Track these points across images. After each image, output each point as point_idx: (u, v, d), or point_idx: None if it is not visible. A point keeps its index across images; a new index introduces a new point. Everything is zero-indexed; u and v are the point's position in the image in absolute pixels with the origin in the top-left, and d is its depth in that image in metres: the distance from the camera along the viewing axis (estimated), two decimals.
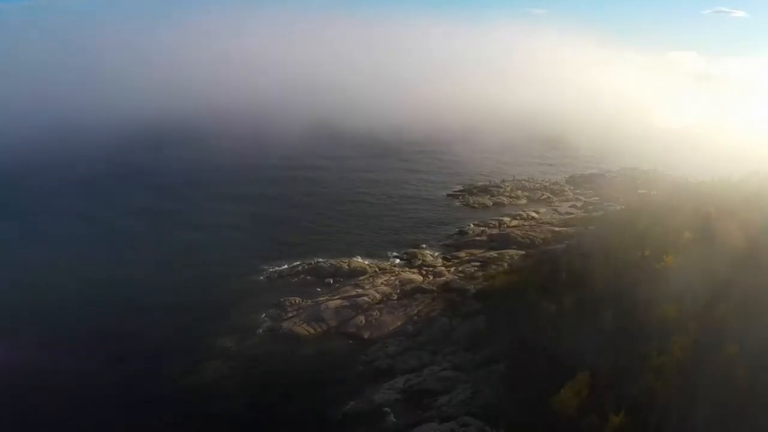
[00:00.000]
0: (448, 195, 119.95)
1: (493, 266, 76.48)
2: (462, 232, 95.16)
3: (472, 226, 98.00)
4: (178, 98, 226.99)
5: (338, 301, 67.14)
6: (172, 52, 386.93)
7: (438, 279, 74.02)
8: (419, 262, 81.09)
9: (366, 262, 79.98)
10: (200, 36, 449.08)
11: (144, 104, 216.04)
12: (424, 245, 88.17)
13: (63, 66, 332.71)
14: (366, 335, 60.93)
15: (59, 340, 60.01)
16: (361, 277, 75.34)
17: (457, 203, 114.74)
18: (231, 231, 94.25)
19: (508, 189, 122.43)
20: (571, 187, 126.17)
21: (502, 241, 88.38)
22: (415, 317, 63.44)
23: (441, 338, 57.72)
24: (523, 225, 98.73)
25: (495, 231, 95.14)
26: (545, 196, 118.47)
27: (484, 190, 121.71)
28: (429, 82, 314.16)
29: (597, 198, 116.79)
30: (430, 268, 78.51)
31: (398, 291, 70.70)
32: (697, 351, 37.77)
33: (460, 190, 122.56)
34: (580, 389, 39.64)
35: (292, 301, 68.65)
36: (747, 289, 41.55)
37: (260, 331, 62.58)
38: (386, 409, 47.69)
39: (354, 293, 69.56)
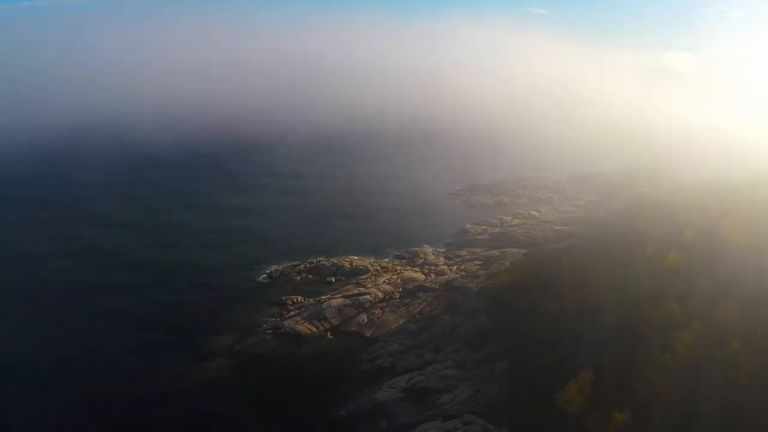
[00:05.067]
0: (450, 194, 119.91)
1: (495, 265, 76.44)
2: (463, 231, 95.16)
3: (473, 225, 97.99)
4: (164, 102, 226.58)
5: (340, 300, 67.16)
6: (170, 53, 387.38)
7: (440, 277, 74.02)
8: (421, 261, 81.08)
9: (368, 261, 79.93)
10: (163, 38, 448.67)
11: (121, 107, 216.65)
12: (425, 244, 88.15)
13: (56, 67, 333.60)
14: (368, 334, 60.93)
15: (60, 341, 60.20)
16: (363, 276, 75.33)
17: (459, 202, 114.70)
18: (230, 231, 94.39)
19: (510, 188, 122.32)
20: (573, 187, 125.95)
21: (503, 240, 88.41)
22: (418, 316, 63.42)
23: (443, 337, 57.69)
24: (525, 224, 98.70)
25: (496, 230, 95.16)
26: (546, 195, 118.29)
27: (486, 189, 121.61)
28: (424, 81, 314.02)
29: (598, 197, 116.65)
30: (432, 267, 78.53)
31: (400, 289, 70.75)
32: (701, 349, 37.73)
33: (462, 189, 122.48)
34: (583, 387, 39.55)
35: (294, 300, 68.66)
36: (750, 287, 41.59)
37: (262, 329, 62.55)
38: (389, 407, 47.62)
39: (356, 292, 69.58)
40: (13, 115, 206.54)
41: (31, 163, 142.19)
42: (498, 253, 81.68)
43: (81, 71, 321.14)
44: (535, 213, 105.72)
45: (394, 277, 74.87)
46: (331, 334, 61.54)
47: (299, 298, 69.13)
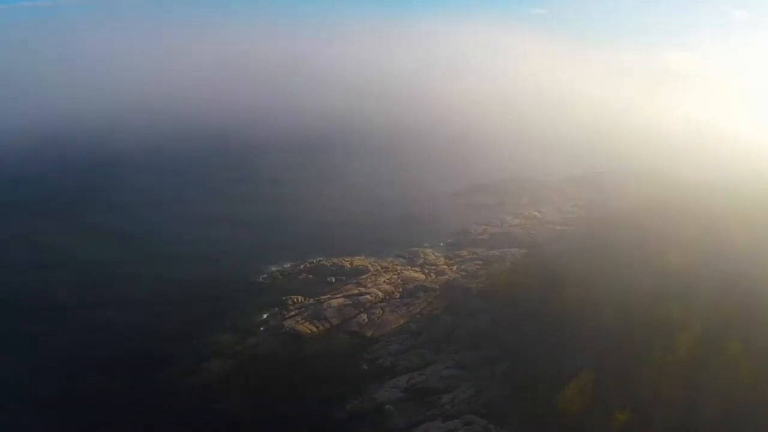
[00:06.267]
0: (450, 194, 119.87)
1: (496, 265, 76.34)
2: (464, 231, 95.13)
3: (474, 225, 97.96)
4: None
5: (340, 300, 67.18)
6: (166, 56, 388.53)
7: (440, 277, 74.02)
8: (421, 261, 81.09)
9: (368, 261, 79.92)
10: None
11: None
12: (426, 244, 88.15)
13: (56, 68, 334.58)
14: (368, 333, 60.94)
15: (60, 339, 60.26)
16: (363, 276, 75.31)
17: (459, 202, 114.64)
18: (231, 232, 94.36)
19: (510, 188, 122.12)
20: (573, 187, 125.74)
21: (504, 240, 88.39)
22: (418, 315, 63.42)
23: (444, 337, 57.65)
24: (526, 224, 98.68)
25: (497, 230, 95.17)
26: (547, 196, 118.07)
27: (486, 189, 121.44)
28: (423, 82, 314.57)
29: (599, 197, 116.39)
30: (432, 267, 78.51)
31: (400, 289, 70.73)
32: (701, 349, 37.73)
33: (462, 190, 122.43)
34: (583, 387, 39.56)
35: (295, 300, 68.67)
36: (750, 288, 41.56)
37: (263, 329, 62.64)
38: (389, 407, 47.64)
39: (356, 292, 69.60)
40: (7, 116, 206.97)
41: (16, 166, 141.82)
42: (498, 253, 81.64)
43: (80, 72, 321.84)
44: (536, 213, 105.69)
45: (395, 277, 74.86)
46: (331, 334, 61.52)
47: (299, 298, 69.13)
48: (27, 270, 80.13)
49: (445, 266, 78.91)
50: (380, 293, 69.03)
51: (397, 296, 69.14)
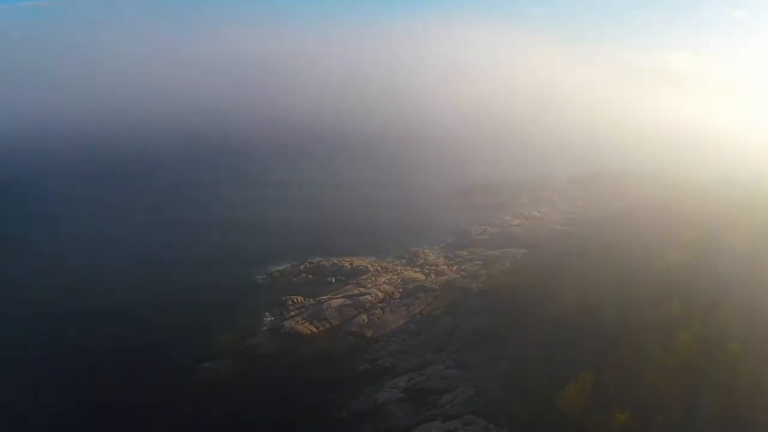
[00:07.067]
0: (450, 194, 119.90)
1: (496, 265, 76.37)
2: (464, 231, 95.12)
3: (473, 225, 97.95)
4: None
5: (340, 300, 67.14)
6: (162, 57, 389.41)
7: (440, 278, 74.00)
8: (421, 261, 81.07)
9: (368, 261, 79.90)
10: None
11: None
12: (426, 244, 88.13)
13: (54, 68, 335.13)
14: (368, 334, 60.88)
15: (59, 341, 60.23)
16: (363, 276, 75.31)
17: (459, 202, 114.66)
18: (231, 233, 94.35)
19: (510, 188, 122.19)
20: (574, 187, 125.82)
21: (504, 240, 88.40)
22: (418, 316, 63.38)
23: (444, 337, 57.60)
24: (526, 224, 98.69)
25: (497, 230, 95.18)
26: (547, 196, 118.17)
27: (486, 189, 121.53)
28: (422, 82, 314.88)
29: (599, 197, 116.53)
30: (432, 267, 78.48)
31: (400, 290, 70.71)
32: (701, 349, 37.71)
33: (462, 190, 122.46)
34: (583, 387, 39.47)
35: (294, 300, 68.63)
36: (750, 288, 41.58)
37: (262, 330, 62.60)
38: (390, 407, 47.57)
39: (356, 292, 69.56)
40: (7, 115, 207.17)
41: (14, 166, 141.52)
42: (499, 254, 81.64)
43: (79, 72, 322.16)
44: (536, 213, 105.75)
45: (395, 277, 74.84)
46: (331, 334, 61.47)
47: (299, 299, 69.09)
48: (23, 275, 79.62)
49: (445, 266, 78.90)
50: (380, 293, 69.00)
51: (397, 296, 69.13)
